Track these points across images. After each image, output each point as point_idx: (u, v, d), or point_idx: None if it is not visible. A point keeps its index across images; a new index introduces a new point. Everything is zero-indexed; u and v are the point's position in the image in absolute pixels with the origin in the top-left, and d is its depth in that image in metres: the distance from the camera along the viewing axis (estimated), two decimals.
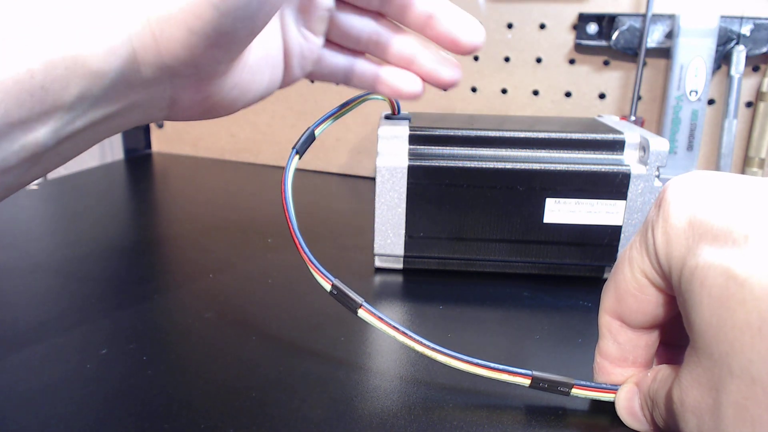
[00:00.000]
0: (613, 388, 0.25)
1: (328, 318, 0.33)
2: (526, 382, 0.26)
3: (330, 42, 0.30)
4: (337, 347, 0.30)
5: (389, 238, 0.38)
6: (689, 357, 0.19)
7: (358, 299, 0.27)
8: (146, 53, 0.21)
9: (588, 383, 0.25)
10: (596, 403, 0.26)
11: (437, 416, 0.25)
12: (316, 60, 0.30)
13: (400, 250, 0.38)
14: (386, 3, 0.29)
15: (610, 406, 0.25)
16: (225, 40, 0.22)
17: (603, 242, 0.37)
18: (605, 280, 0.39)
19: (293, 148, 0.32)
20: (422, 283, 0.38)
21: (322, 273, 0.28)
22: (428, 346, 0.26)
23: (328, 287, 0.28)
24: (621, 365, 0.24)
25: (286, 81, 0.29)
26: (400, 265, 0.40)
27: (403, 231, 0.38)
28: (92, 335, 0.31)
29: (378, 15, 0.30)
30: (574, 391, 0.25)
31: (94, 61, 0.20)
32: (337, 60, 0.31)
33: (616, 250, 0.37)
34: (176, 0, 0.21)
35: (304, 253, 0.28)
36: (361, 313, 0.27)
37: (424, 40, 0.30)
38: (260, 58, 0.27)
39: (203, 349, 0.30)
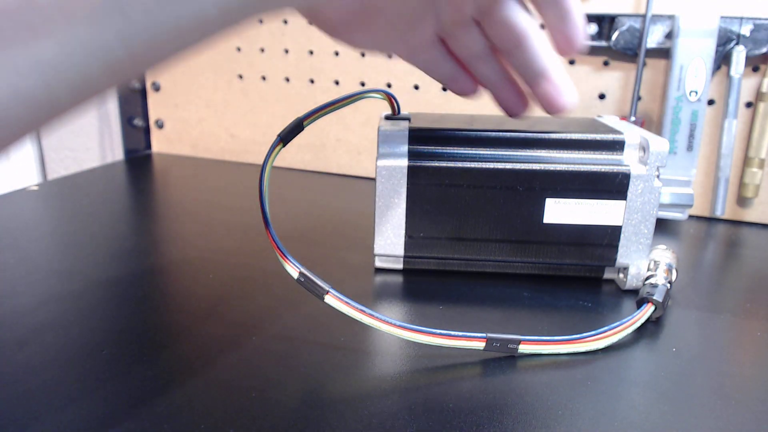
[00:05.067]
0: (554, 340, 0.29)
1: (329, 318, 0.33)
2: (481, 345, 0.29)
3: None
4: (337, 347, 0.30)
5: (389, 238, 0.38)
6: None
7: (325, 286, 0.28)
8: None
9: (534, 338, 0.29)
10: None
11: (437, 416, 0.25)
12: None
13: (400, 251, 0.38)
14: (511, 55, 0.31)
15: None
16: None
17: (603, 242, 0.37)
18: (605, 280, 0.40)
19: (278, 135, 0.32)
20: (422, 283, 0.38)
21: (289, 260, 0.28)
22: (394, 324, 0.28)
23: (295, 274, 0.28)
24: None
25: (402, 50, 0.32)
26: (400, 266, 0.40)
27: (403, 231, 0.38)
28: (92, 335, 0.31)
29: (494, 48, 0.33)
30: (522, 347, 0.29)
31: None
32: (437, 51, 0.33)
33: (616, 250, 0.37)
34: None
35: (273, 240, 0.29)
36: (329, 299, 0.28)
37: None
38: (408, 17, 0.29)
39: (203, 349, 0.30)
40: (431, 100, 0.60)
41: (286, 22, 0.64)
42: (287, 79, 0.65)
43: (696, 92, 0.50)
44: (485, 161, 0.37)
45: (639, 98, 0.54)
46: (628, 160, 0.37)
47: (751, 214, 0.53)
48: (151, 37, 0.18)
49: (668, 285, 0.35)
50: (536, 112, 0.34)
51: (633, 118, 0.53)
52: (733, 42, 0.50)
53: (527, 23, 0.30)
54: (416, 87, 0.61)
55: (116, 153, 0.83)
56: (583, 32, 0.31)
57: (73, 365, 0.28)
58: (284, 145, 0.32)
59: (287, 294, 0.36)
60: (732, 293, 0.39)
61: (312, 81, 0.64)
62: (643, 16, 0.51)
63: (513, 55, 0.31)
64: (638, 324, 0.32)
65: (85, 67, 0.17)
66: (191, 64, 0.69)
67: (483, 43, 0.32)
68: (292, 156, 0.67)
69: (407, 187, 0.37)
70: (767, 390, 0.28)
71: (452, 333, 0.29)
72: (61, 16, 0.16)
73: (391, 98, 0.37)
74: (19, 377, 0.27)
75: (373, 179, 0.37)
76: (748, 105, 0.52)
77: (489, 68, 0.33)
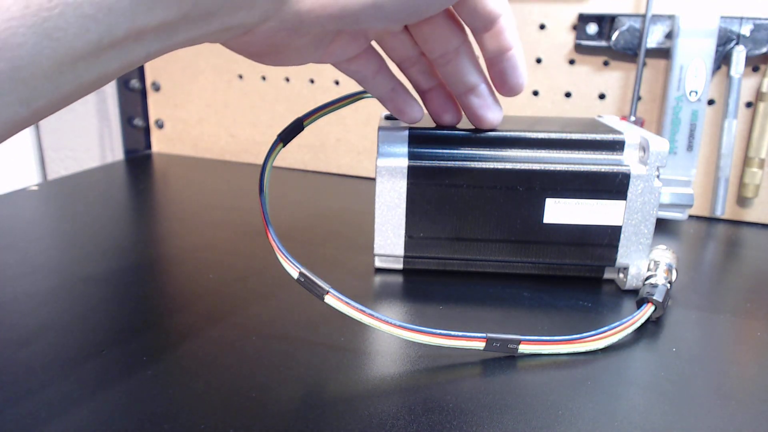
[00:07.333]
0: (554, 340, 0.29)
1: (328, 318, 0.33)
2: (481, 345, 0.29)
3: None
4: (337, 348, 0.30)
5: (389, 238, 0.38)
6: None
7: (325, 286, 0.28)
8: None
9: (534, 338, 0.29)
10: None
11: (437, 417, 0.25)
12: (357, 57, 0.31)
13: (400, 251, 0.38)
14: (440, 66, 0.32)
15: None
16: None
17: (603, 242, 0.37)
18: (605, 280, 0.40)
19: (278, 135, 0.32)
20: (422, 283, 0.38)
21: (289, 260, 0.28)
22: (394, 324, 0.28)
23: (295, 275, 0.28)
24: None
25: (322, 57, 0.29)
26: (400, 266, 0.40)
27: (403, 231, 0.38)
28: (92, 335, 0.31)
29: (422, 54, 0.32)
30: (522, 347, 0.29)
31: None
32: (370, 64, 0.31)
33: (616, 250, 0.37)
34: None
35: (273, 239, 0.29)
36: (329, 299, 0.28)
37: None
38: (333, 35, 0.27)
39: (203, 349, 0.30)
40: None
41: None
42: (287, 79, 0.65)
43: (696, 92, 0.50)
44: (485, 161, 0.37)
45: (639, 98, 0.54)
46: (628, 160, 0.37)
47: (751, 214, 0.53)
48: (53, 97, 0.19)
49: (668, 285, 0.35)
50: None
51: (633, 118, 0.53)
52: (733, 42, 0.50)
53: (458, 38, 0.30)
54: None
55: (116, 153, 0.83)
56: (523, 78, 0.32)
57: (73, 365, 0.28)
58: (284, 145, 0.32)
59: (287, 294, 0.36)
60: (732, 293, 0.39)
61: (312, 81, 0.64)
62: (643, 16, 0.51)
63: (442, 67, 0.32)
64: (638, 324, 0.32)
65: None
66: (191, 64, 0.69)
67: (414, 49, 0.31)
68: (292, 156, 0.67)
69: (407, 187, 0.37)
70: (767, 390, 0.28)
71: (452, 333, 0.29)
72: None
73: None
74: (19, 377, 0.27)
75: (373, 179, 0.37)
76: (748, 105, 0.52)
77: (420, 73, 0.33)
